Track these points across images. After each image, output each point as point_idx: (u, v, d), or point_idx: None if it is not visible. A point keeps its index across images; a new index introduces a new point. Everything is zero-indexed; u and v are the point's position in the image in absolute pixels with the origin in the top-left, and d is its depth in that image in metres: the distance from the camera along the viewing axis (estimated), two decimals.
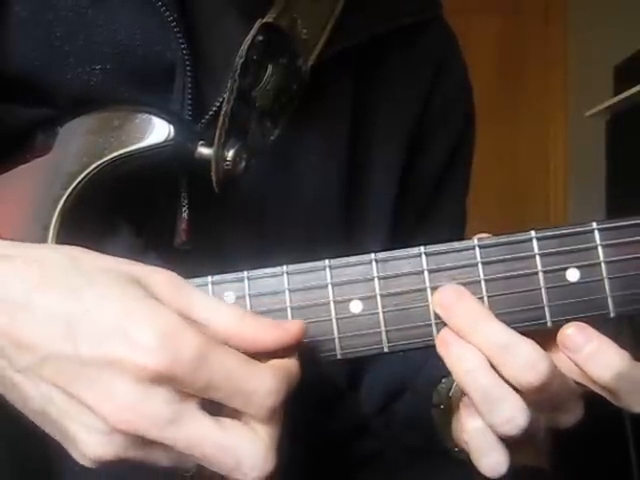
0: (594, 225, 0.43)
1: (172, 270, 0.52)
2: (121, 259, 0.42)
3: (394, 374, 0.65)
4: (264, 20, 0.52)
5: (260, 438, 0.39)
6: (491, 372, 0.42)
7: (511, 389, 0.41)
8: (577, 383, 0.43)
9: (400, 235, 0.66)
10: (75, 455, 0.40)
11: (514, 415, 0.41)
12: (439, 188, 0.70)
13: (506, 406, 0.41)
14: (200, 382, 0.37)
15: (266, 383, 0.38)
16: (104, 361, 0.37)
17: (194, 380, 0.37)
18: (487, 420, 0.42)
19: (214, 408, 0.39)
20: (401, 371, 0.64)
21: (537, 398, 0.42)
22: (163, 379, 0.37)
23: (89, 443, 0.38)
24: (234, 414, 0.39)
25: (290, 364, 0.41)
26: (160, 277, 0.41)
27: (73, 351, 0.37)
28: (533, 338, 0.42)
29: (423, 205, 0.70)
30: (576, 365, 0.42)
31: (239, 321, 0.40)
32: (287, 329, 0.41)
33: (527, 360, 0.41)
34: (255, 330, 0.40)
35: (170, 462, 0.39)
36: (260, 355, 0.40)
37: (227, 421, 0.39)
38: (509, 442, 0.43)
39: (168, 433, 0.37)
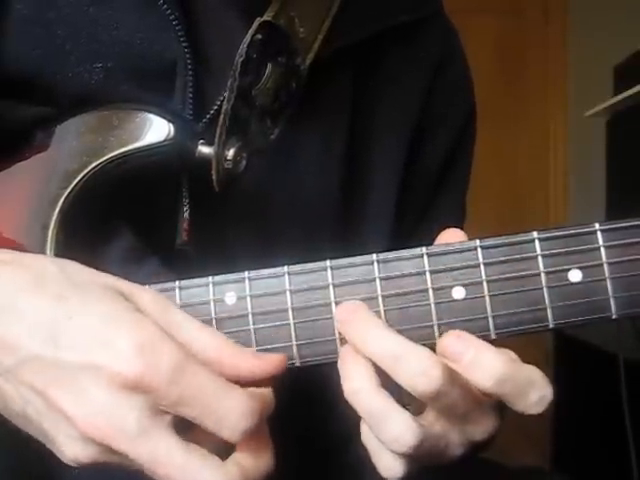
0: (597, 226, 0.43)
1: (173, 271, 0.52)
2: (110, 275, 0.42)
3: None
4: (262, 18, 0.52)
5: (226, 468, 0.39)
6: (377, 392, 0.42)
7: (399, 408, 0.41)
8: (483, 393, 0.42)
9: (400, 233, 0.66)
10: (58, 455, 0.40)
11: (400, 434, 0.41)
12: (439, 185, 0.70)
13: (391, 425, 0.41)
14: (174, 395, 0.38)
15: (240, 405, 0.39)
16: (82, 366, 0.38)
17: (168, 392, 0.37)
18: (377, 437, 0.42)
19: (188, 434, 0.39)
20: None
21: (437, 407, 0.42)
22: (137, 388, 0.37)
23: (65, 447, 0.39)
24: (208, 443, 0.39)
25: (265, 393, 0.41)
26: (146, 295, 0.42)
27: (52, 354, 0.38)
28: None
29: (423, 203, 0.69)
30: (461, 374, 0.42)
31: (221, 345, 0.41)
32: (267, 360, 0.42)
33: (419, 368, 0.40)
34: (235, 356, 0.41)
35: (146, 466, 0.39)
36: (237, 383, 0.40)
37: (194, 445, 0.39)
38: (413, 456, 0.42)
39: (133, 446, 0.37)
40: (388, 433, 0.41)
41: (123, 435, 0.37)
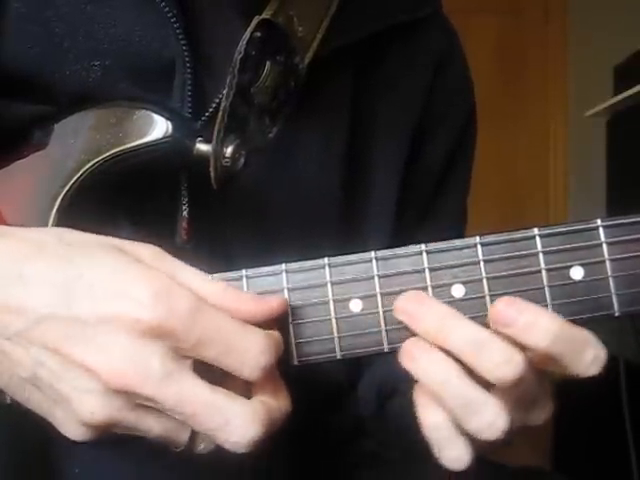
0: (598, 222, 0.43)
1: None
2: (107, 237, 0.43)
3: (387, 375, 0.65)
4: (261, 17, 0.52)
5: (252, 404, 0.40)
6: (465, 379, 0.41)
7: (488, 394, 0.41)
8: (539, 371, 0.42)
9: (401, 232, 0.66)
10: (64, 428, 0.40)
11: (495, 419, 0.41)
12: (440, 185, 0.70)
13: (487, 411, 0.41)
14: (194, 336, 0.38)
15: (258, 341, 0.40)
16: (99, 318, 0.38)
17: (188, 334, 0.38)
18: (466, 427, 0.42)
19: (210, 378, 0.40)
20: (393, 372, 0.63)
21: (513, 394, 0.42)
22: (158, 333, 0.38)
23: (82, 404, 0.39)
24: (230, 386, 0.40)
25: (274, 333, 0.42)
26: (145, 249, 0.42)
27: (68, 311, 0.39)
28: None
29: (424, 202, 0.69)
30: (515, 340, 0.41)
31: (222, 291, 0.42)
32: (267, 301, 0.42)
33: (502, 355, 0.40)
34: (237, 300, 0.42)
35: (161, 431, 0.40)
36: None
37: (219, 387, 0.39)
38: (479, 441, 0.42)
39: (160, 389, 0.38)
40: (483, 418, 0.41)
41: (149, 379, 0.38)
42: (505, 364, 0.40)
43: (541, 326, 0.41)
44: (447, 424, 0.42)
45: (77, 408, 0.39)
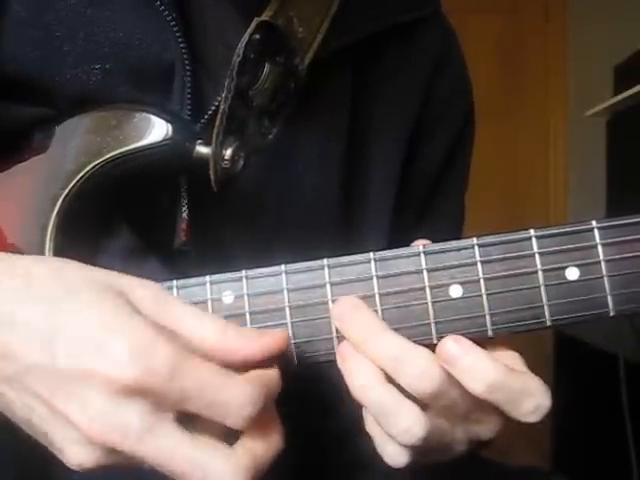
0: (594, 223, 0.43)
1: (172, 270, 0.52)
2: (109, 271, 0.42)
3: None
4: (260, 18, 0.52)
5: (235, 456, 0.39)
6: (385, 385, 0.42)
7: (407, 401, 0.42)
8: None
9: (399, 232, 0.66)
10: (63, 460, 0.40)
11: (410, 425, 0.41)
12: (438, 185, 0.70)
13: (401, 417, 0.41)
14: (174, 394, 0.38)
15: (241, 393, 0.39)
16: (79, 373, 0.38)
17: (168, 392, 0.38)
18: (386, 431, 0.42)
19: (194, 422, 0.39)
20: None
21: (438, 407, 0.42)
22: (136, 391, 0.37)
23: (71, 452, 0.39)
24: (215, 429, 0.40)
25: (270, 373, 0.41)
26: (145, 291, 0.41)
27: (51, 363, 0.38)
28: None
29: (422, 202, 0.70)
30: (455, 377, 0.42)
31: (222, 332, 0.41)
32: (269, 338, 0.41)
33: (419, 369, 0.41)
34: (238, 341, 0.41)
35: (152, 467, 0.39)
36: (244, 366, 0.40)
37: (201, 437, 0.39)
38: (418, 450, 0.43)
39: (138, 446, 0.37)
40: (398, 426, 0.41)
41: (128, 437, 0.37)
42: (421, 378, 0.41)
43: (477, 373, 0.41)
44: (376, 425, 0.43)
45: (68, 455, 0.39)
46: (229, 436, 0.40)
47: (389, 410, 0.42)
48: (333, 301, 0.45)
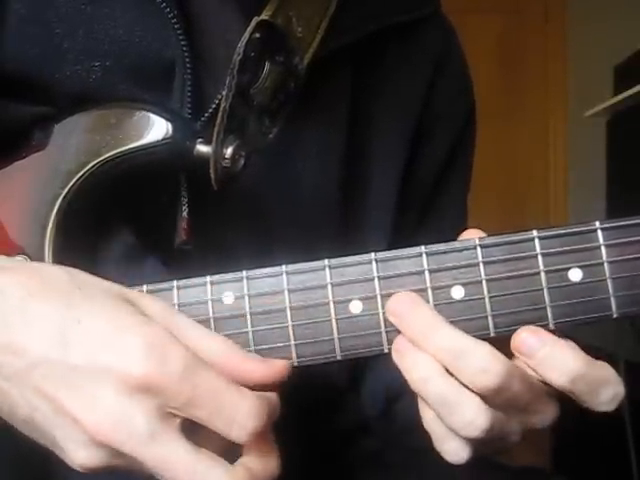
0: (597, 224, 0.43)
1: (172, 270, 0.52)
2: (116, 284, 0.43)
3: (395, 376, 0.65)
4: (260, 17, 0.52)
5: (235, 472, 0.39)
6: (447, 377, 0.42)
7: (469, 392, 0.41)
8: (545, 383, 0.43)
9: (401, 232, 0.66)
10: (65, 460, 0.40)
11: (474, 418, 0.41)
12: (440, 185, 0.70)
13: (465, 409, 0.41)
14: (184, 396, 0.38)
15: (249, 405, 0.39)
16: (91, 369, 0.38)
17: (178, 392, 0.38)
18: (448, 424, 0.42)
19: (195, 438, 0.39)
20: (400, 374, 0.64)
21: (498, 400, 0.42)
22: (147, 389, 0.37)
23: (73, 452, 0.39)
24: (217, 446, 0.40)
25: (271, 396, 0.41)
26: (152, 302, 0.42)
27: (61, 358, 0.38)
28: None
29: (424, 202, 0.69)
30: (532, 369, 0.42)
31: (227, 351, 0.41)
32: (272, 366, 0.42)
33: (480, 364, 0.41)
34: (241, 362, 0.41)
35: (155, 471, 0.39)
36: (246, 386, 0.40)
37: (203, 449, 0.39)
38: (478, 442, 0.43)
39: (142, 449, 0.37)
40: (462, 418, 0.41)
41: (132, 439, 0.37)
42: (483, 373, 0.41)
43: (558, 363, 0.41)
44: (438, 419, 0.43)
45: (70, 456, 0.39)
46: (229, 455, 0.40)
47: (452, 402, 0.41)
48: (334, 302, 0.44)
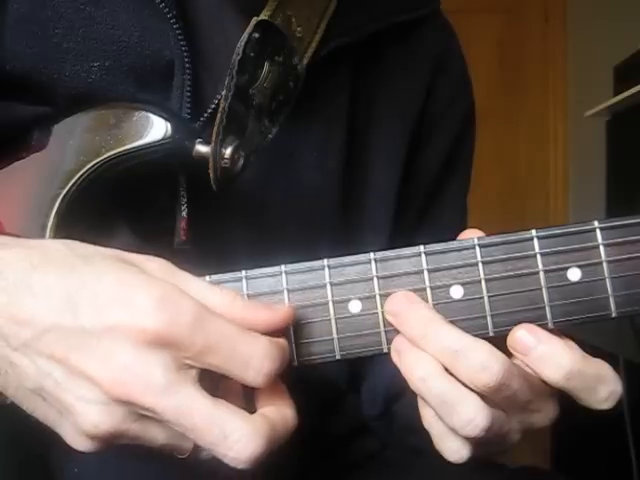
0: (596, 224, 0.43)
1: None
2: (113, 249, 0.43)
3: (395, 376, 0.65)
4: (259, 17, 0.52)
5: (253, 419, 0.39)
6: (446, 377, 0.42)
7: (469, 391, 0.42)
8: (544, 382, 0.43)
9: (401, 232, 0.66)
10: (69, 438, 0.40)
11: (473, 416, 0.41)
12: (440, 185, 0.70)
13: (464, 408, 0.41)
14: (198, 344, 0.38)
15: (263, 347, 0.40)
16: (104, 327, 0.38)
17: (192, 342, 0.38)
18: (447, 423, 0.42)
19: (216, 391, 0.40)
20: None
21: (498, 399, 0.42)
22: (161, 342, 0.38)
23: (86, 414, 0.39)
24: (235, 397, 0.40)
25: (282, 341, 0.42)
26: (152, 263, 0.42)
27: (73, 321, 0.39)
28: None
29: (424, 202, 0.69)
30: (528, 367, 0.42)
31: (230, 302, 0.41)
32: (276, 311, 0.42)
33: (480, 362, 0.41)
34: (245, 310, 0.41)
35: (165, 440, 0.40)
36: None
37: (222, 400, 0.39)
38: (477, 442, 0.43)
39: (160, 400, 0.38)
40: (461, 416, 0.41)
41: (149, 389, 0.38)
42: (482, 371, 0.41)
43: (554, 361, 0.41)
44: (438, 419, 0.43)
45: (81, 420, 0.39)
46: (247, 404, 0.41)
47: (452, 401, 0.41)
48: (333, 302, 0.44)
